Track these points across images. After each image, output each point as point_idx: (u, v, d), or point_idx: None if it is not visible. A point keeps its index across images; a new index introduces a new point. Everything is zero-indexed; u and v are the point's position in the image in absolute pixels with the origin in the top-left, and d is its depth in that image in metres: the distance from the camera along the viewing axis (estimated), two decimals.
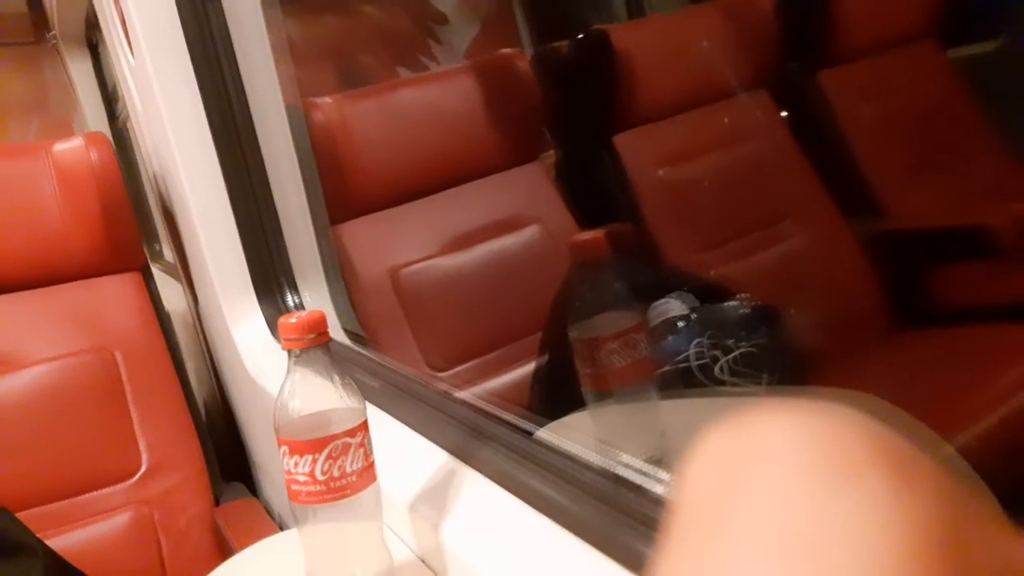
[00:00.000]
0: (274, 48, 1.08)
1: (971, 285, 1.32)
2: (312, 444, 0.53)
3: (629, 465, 0.49)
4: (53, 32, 2.02)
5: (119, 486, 1.13)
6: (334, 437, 0.54)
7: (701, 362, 0.87)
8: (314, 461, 0.53)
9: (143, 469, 1.14)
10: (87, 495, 1.11)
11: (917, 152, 1.50)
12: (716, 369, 0.87)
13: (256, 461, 1.28)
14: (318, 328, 0.55)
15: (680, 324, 0.90)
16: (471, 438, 0.60)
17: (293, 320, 0.54)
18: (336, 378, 0.56)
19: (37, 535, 0.94)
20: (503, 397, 1.17)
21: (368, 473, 0.55)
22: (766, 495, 0.15)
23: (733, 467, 0.16)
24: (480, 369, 1.21)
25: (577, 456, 0.51)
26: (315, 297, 1.12)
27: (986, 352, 1.14)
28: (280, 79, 1.08)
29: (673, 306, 0.91)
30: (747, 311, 0.99)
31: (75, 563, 0.98)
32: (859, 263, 1.40)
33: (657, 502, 0.44)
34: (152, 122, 1.19)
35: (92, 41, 2.00)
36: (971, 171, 1.49)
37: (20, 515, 0.96)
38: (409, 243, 1.29)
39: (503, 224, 1.34)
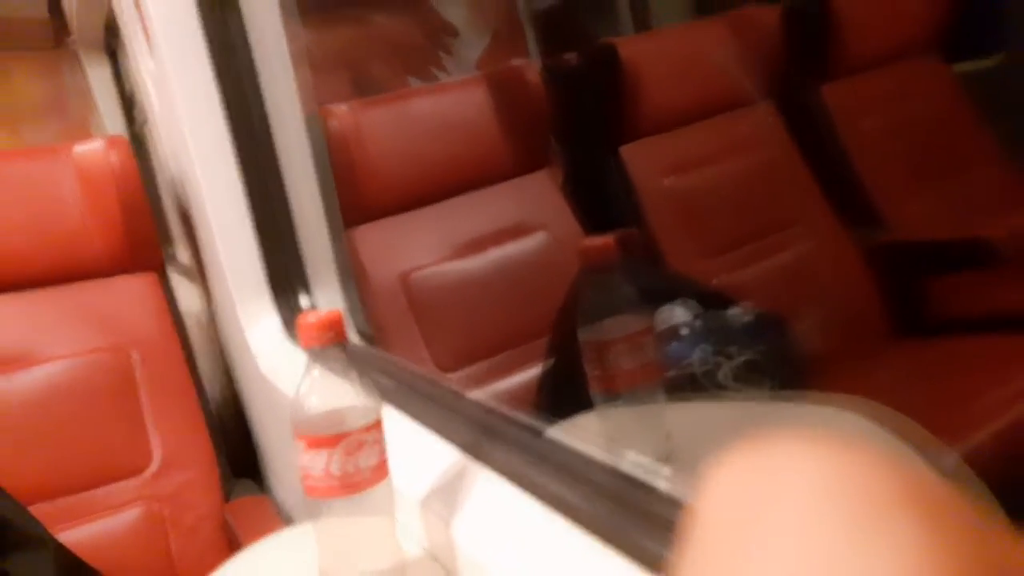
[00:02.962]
0: (292, 56, 1.09)
1: (970, 296, 1.32)
2: (328, 439, 0.54)
3: (639, 464, 0.49)
4: (72, 38, 2.04)
5: (130, 482, 1.13)
6: (350, 433, 0.54)
7: (705, 368, 0.87)
8: (329, 456, 0.54)
9: (154, 466, 1.15)
10: (98, 490, 1.11)
11: (918, 164, 1.50)
12: (719, 375, 0.87)
13: (266, 458, 1.28)
14: (336, 327, 0.55)
15: (684, 331, 0.91)
16: (483, 436, 0.60)
17: (312, 319, 0.55)
18: (352, 376, 0.56)
19: (48, 529, 0.94)
20: (510, 399, 1.17)
21: (381, 469, 0.55)
22: (786, 532, 0.14)
23: (750, 498, 0.15)
24: (487, 371, 1.21)
25: (589, 454, 0.51)
26: (328, 300, 1.13)
27: (985, 362, 1.14)
28: (298, 86, 1.09)
29: (677, 313, 0.92)
30: (749, 319, 1.00)
31: (85, 558, 0.98)
32: (860, 273, 1.41)
33: (669, 501, 0.44)
34: (171, 126, 1.20)
35: (111, 47, 2.01)
36: (971, 183, 1.49)
37: (31, 509, 0.96)
38: (419, 248, 1.30)
39: (511, 230, 1.35)
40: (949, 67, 1.58)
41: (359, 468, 0.54)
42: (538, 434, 0.57)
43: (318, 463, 0.54)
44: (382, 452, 0.56)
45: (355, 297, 1.18)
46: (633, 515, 0.45)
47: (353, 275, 1.22)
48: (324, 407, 0.55)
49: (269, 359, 1.10)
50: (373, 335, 1.19)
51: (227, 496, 1.18)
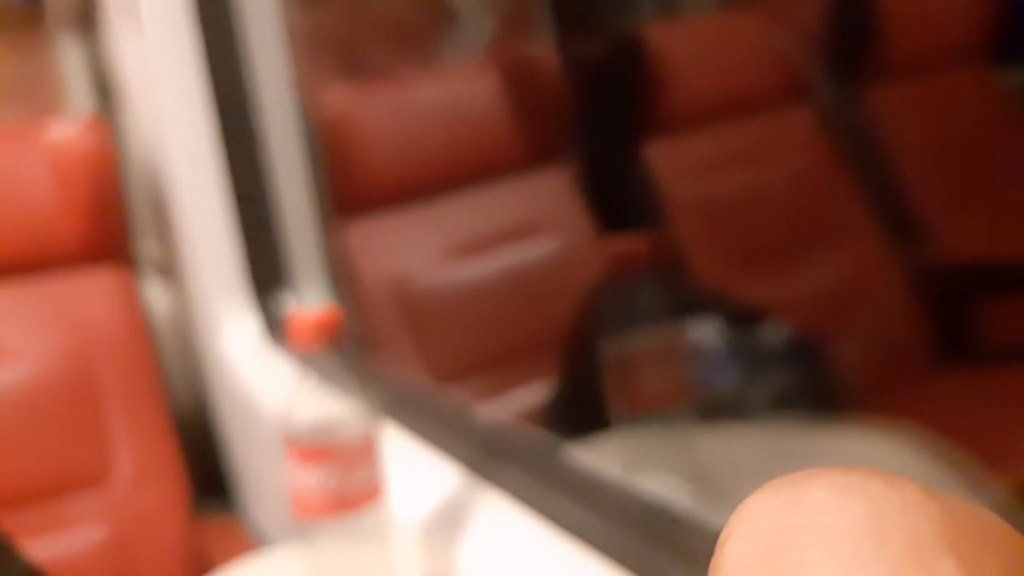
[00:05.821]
0: (286, 33, 1.10)
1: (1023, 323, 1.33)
2: (322, 453, 0.54)
3: (666, 490, 0.50)
4: (46, 14, 2.06)
5: (90, 495, 1.13)
6: (346, 446, 0.54)
7: (735, 391, 0.87)
8: (323, 471, 0.54)
9: (116, 478, 1.15)
10: (55, 503, 1.11)
11: (969, 178, 1.51)
12: (751, 399, 0.87)
13: (239, 475, 1.28)
14: (333, 329, 0.56)
15: (713, 349, 0.91)
16: (492, 455, 0.61)
17: (307, 320, 0.55)
18: (348, 384, 0.56)
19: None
20: (518, 417, 1.17)
21: (379, 487, 0.56)
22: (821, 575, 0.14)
23: (782, 540, 0.15)
24: (491, 385, 1.21)
25: (611, 477, 0.51)
26: (314, 301, 1.13)
27: None
28: (290, 66, 1.10)
29: (706, 329, 0.92)
30: (784, 339, 1.00)
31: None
32: (904, 293, 1.41)
33: (700, 530, 0.44)
34: (149, 105, 1.20)
35: (86, 25, 2.04)
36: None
37: None
38: (417, 247, 1.30)
39: (520, 230, 1.35)
40: (1002, 75, 1.60)
41: (356, 485, 0.54)
42: (554, 454, 0.57)
43: (310, 479, 0.54)
44: (380, 468, 0.56)
45: (343, 299, 1.18)
46: (659, 545, 0.45)
47: (342, 274, 1.22)
48: (317, 417, 0.56)
49: (246, 364, 1.10)
50: (364, 341, 1.19)
51: (196, 514, 1.18)
